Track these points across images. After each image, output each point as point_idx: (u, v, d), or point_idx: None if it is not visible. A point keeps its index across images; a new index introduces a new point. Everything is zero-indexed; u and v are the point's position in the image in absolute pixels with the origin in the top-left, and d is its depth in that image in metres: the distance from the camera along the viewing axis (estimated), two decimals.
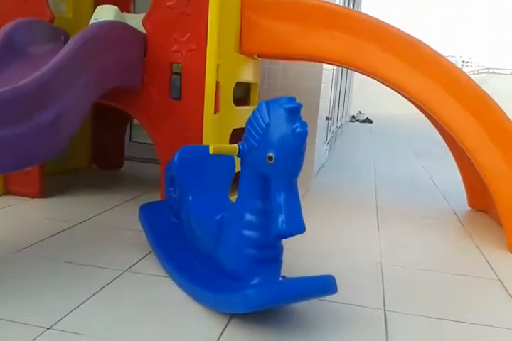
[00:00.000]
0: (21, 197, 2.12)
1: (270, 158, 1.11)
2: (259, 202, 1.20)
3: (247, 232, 1.20)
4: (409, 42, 2.08)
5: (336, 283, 1.17)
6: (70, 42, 1.61)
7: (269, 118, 1.12)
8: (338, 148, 4.92)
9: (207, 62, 1.93)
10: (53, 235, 1.69)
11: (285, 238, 1.14)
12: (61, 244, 1.62)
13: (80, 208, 2.05)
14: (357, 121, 9.38)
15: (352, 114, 9.77)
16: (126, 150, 3.03)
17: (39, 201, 2.11)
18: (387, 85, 2.25)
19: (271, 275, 1.19)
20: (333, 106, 5.19)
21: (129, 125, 3.05)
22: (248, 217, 1.20)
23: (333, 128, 5.30)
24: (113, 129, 2.85)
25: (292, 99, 1.12)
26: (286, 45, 2.21)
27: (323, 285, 1.16)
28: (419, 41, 2.09)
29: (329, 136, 4.67)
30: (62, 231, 1.74)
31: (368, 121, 9.30)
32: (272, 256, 1.21)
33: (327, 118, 4.00)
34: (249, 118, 1.19)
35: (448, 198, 2.79)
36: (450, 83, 2.02)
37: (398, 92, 2.29)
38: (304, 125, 1.09)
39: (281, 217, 1.08)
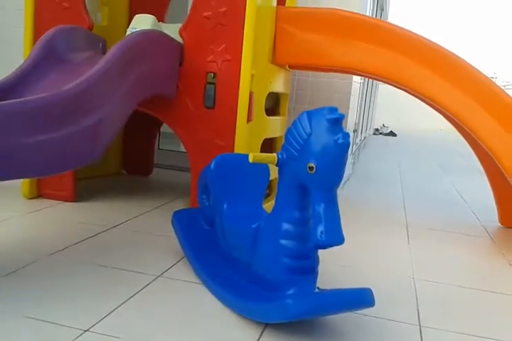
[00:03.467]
0: (54, 201, 2.16)
1: (311, 168, 1.11)
2: (296, 212, 1.20)
3: (284, 242, 1.20)
4: (446, 57, 2.07)
5: (373, 296, 1.15)
6: (112, 50, 1.64)
7: (311, 128, 1.13)
8: (363, 161, 4.90)
9: (241, 72, 1.95)
10: (87, 238, 1.71)
11: (324, 248, 1.13)
12: (95, 247, 1.64)
13: (111, 213, 2.07)
14: (380, 134, 9.34)
15: (375, 126, 9.73)
16: (155, 158, 3.07)
17: (71, 205, 2.14)
18: (421, 99, 2.24)
19: (307, 286, 1.19)
20: (359, 119, 5.18)
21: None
22: (285, 226, 1.20)
23: (357, 140, 5.28)
24: (144, 137, 2.89)
25: (334, 110, 1.13)
26: (320, 57, 2.21)
27: (362, 298, 1.15)
28: (456, 56, 2.08)
29: (354, 148, 4.65)
30: (96, 235, 1.76)
31: (391, 134, 9.25)
32: (309, 267, 1.21)
33: (354, 131, 3.99)
34: (290, 128, 1.19)
35: (478, 214, 2.75)
36: (486, 98, 2.00)
37: (431, 106, 2.28)
38: (346, 136, 1.09)
39: (321, 228, 1.08)
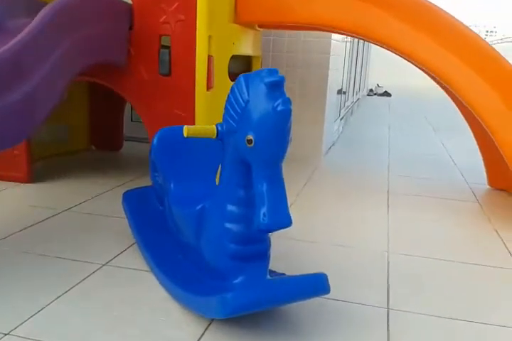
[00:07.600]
0: (9, 182, 2.02)
1: (249, 141, 0.95)
2: (241, 191, 1.05)
3: (228, 225, 1.06)
4: (427, 10, 1.87)
5: (328, 282, 1.02)
6: (39, 16, 1.45)
7: (248, 94, 0.97)
8: (353, 124, 4.72)
9: (197, 33, 1.76)
10: (34, 224, 1.58)
11: (269, 232, 1.00)
12: (41, 234, 1.51)
13: (69, 194, 1.93)
14: (375, 94, 9.07)
15: (370, 87, 9.44)
16: (127, 131, 2.92)
17: (27, 186, 2.00)
18: (400, 56, 2.05)
19: (256, 274, 1.05)
20: (349, 80, 4.96)
21: (129, 105, 2.92)
22: (230, 207, 1.06)
23: (348, 103, 5.07)
24: (110, 109, 2.72)
25: (274, 71, 0.96)
26: (286, 13, 2.01)
27: (314, 285, 1.02)
28: (438, 8, 1.88)
29: (343, 111, 4.47)
30: (45, 220, 1.63)
31: (386, 94, 8.98)
32: (258, 252, 1.07)
33: (339, 92, 3.80)
34: (228, 95, 1.04)
35: (466, 176, 2.61)
36: (469, 53, 1.82)
37: (414, 64, 2.09)
38: (287, 102, 0.93)
39: (263, 209, 0.94)
